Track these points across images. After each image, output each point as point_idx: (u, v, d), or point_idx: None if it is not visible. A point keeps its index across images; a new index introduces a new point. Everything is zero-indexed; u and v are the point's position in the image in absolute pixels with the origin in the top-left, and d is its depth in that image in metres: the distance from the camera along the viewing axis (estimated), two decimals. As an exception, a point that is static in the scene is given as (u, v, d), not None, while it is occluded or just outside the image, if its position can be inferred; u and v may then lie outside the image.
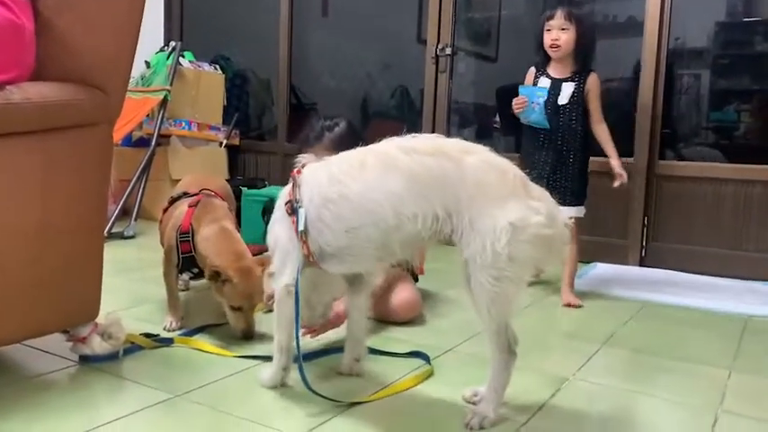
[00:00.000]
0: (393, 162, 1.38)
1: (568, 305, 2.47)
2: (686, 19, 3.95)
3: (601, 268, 3.14)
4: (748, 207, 3.12)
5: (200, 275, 1.92)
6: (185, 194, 2.07)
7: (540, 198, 1.36)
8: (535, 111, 2.55)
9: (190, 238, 1.88)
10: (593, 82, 2.56)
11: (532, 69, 2.70)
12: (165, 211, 2.09)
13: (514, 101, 2.58)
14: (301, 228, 1.44)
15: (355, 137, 2.10)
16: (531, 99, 2.55)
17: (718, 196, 3.17)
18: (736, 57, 4.43)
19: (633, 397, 1.62)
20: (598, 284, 2.80)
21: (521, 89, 2.61)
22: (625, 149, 3.38)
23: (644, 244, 3.29)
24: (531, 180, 1.41)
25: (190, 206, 1.95)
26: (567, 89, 2.57)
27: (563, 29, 2.54)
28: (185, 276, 2.06)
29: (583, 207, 2.59)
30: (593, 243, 3.13)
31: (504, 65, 5.05)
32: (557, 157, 2.58)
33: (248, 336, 1.85)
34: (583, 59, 2.59)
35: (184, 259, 1.90)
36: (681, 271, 3.10)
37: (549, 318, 2.30)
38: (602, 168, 3.36)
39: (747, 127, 4.33)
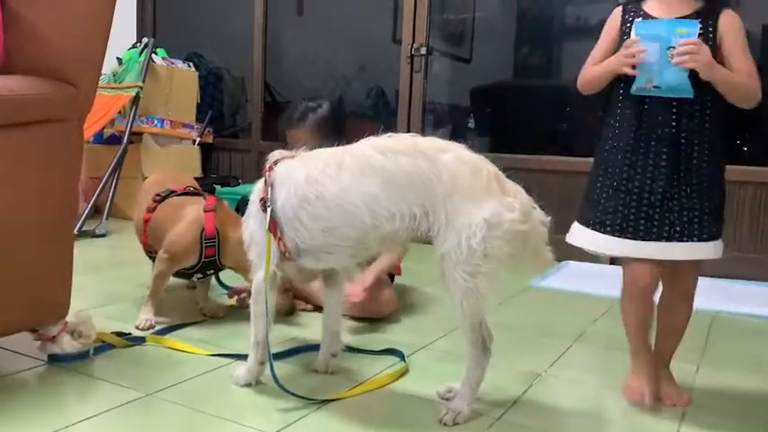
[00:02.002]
0: (369, 162, 1.39)
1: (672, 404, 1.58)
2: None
3: (573, 266, 3.18)
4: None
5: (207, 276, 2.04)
6: (172, 193, 2.05)
7: (515, 194, 1.38)
8: (669, 65, 1.42)
9: (215, 244, 1.91)
10: (727, 23, 1.48)
11: (618, 10, 1.60)
12: (152, 210, 2.02)
13: (625, 51, 1.48)
14: (266, 228, 1.45)
15: (338, 120, 2.15)
16: (666, 42, 1.42)
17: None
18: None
19: (603, 392, 1.65)
20: (570, 282, 2.84)
21: (638, 26, 1.49)
22: (588, 151, 3.44)
23: (615, 242, 3.33)
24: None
25: (207, 211, 1.93)
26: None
27: None
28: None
29: (720, 242, 1.53)
30: (566, 241, 3.16)
31: (478, 66, 5.09)
32: (674, 161, 1.48)
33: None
34: None
35: (205, 263, 1.93)
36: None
37: (521, 314, 2.32)
38: (579, 168, 3.42)
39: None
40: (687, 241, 1.48)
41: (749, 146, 4.06)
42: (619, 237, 1.51)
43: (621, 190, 1.52)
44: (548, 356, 1.86)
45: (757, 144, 4.03)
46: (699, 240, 1.48)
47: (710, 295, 2.70)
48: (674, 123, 1.47)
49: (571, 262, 3.24)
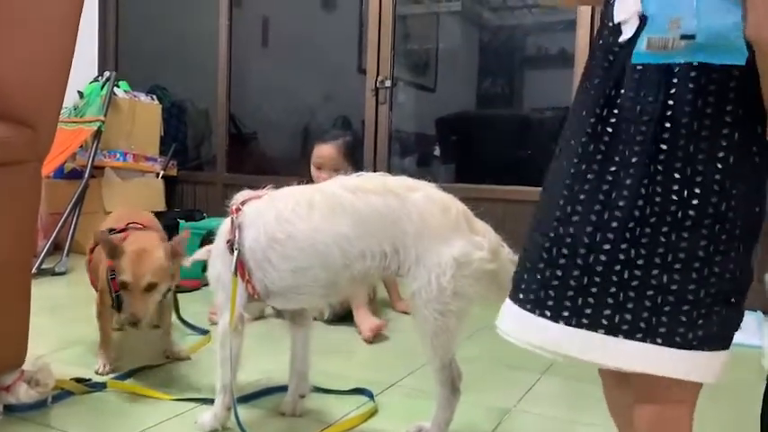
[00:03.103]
0: (340, 202, 1.39)
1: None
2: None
3: (540, 295, 3.20)
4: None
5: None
6: (112, 231, 1.92)
7: (484, 233, 1.39)
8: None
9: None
10: None
11: None
12: (93, 249, 1.99)
13: None
14: (232, 271, 1.44)
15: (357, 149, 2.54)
16: None
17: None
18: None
19: (573, 427, 1.65)
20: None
21: None
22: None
23: (580, 270, 3.37)
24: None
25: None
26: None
27: None
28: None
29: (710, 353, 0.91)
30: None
31: (443, 95, 5.16)
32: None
33: (134, 322, 1.67)
34: None
35: (117, 297, 1.81)
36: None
37: (489, 347, 2.32)
38: (537, 198, 3.46)
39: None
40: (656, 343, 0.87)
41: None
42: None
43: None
44: (517, 390, 1.86)
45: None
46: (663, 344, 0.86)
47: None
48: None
49: (538, 290, 3.26)
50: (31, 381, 1.56)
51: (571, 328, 0.90)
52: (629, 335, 0.86)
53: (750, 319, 2.82)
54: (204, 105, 4.78)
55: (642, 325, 0.85)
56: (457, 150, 4.66)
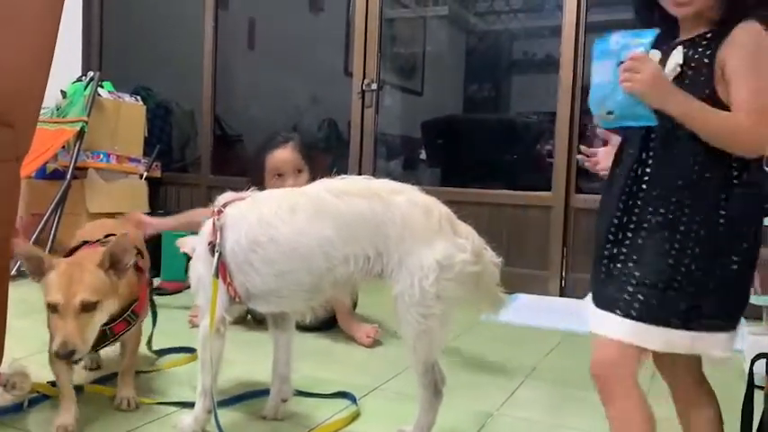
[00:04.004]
0: (323, 205, 1.39)
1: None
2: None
3: (522, 299, 3.21)
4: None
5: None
6: (85, 243, 1.69)
7: (467, 235, 1.39)
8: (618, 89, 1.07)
9: None
10: (737, 37, 1.06)
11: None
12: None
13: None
14: (212, 274, 1.42)
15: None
16: (617, 57, 1.09)
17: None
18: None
19: (556, 431, 1.65)
20: (521, 315, 2.86)
21: (596, 43, 1.14)
22: (543, 183, 3.52)
23: (563, 275, 3.39)
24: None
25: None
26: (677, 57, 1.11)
27: None
28: None
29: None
30: (515, 274, 3.20)
31: (429, 99, 5.17)
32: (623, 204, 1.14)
33: (67, 354, 1.35)
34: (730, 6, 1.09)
35: None
36: (599, 300, 3.20)
37: (472, 351, 2.32)
38: (527, 202, 3.48)
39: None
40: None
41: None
42: None
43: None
44: (500, 394, 1.85)
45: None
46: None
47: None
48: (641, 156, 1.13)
49: (521, 295, 3.27)
50: (8, 384, 1.53)
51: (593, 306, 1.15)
52: (600, 305, 1.13)
53: (731, 323, 2.84)
54: (189, 106, 4.75)
55: (611, 300, 1.10)
56: (443, 154, 4.67)
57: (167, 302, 2.87)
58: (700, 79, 1.07)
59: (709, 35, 1.09)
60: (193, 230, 2.48)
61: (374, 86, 3.86)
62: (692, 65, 1.08)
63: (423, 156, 4.89)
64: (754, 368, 1.24)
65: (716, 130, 1.04)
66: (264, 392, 1.65)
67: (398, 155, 4.81)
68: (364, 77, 3.86)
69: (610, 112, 1.10)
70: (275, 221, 1.41)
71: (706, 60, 1.07)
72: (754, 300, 2.33)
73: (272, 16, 5.11)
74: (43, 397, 1.63)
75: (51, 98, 3.91)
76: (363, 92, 3.87)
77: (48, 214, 3.50)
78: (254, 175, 2.41)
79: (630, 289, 1.08)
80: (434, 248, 1.33)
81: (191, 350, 1.99)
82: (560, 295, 3.35)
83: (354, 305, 2.46)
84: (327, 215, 1.38)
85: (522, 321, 2.75)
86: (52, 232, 3.51)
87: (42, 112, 3.29)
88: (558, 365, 2.19)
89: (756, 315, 2.69)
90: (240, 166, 4.63)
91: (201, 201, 4.27)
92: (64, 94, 4.00)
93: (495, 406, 1.76)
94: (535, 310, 2.98)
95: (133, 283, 1.56)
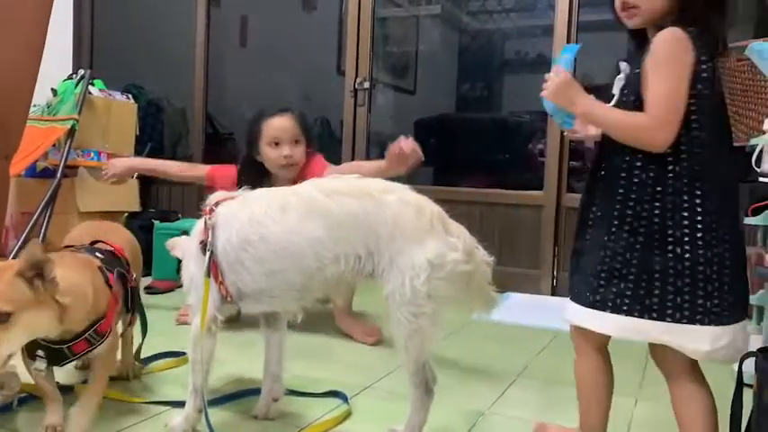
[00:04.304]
0: (314, 204, 1.38)
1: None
2: (591, 57, 4.17)
3: (514, 298, 3.22)
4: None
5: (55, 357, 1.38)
6: (68, 248, 1.58)
7: (458, 234, 1.39)
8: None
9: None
10: (654, 42, 1.17)
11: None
12: None
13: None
14: (204, 273, 1.42)
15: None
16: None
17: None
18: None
19: (547, 429, 1.66)
20: (512, 314, 2.86)
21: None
22: (535, 182, 3.53)
23: (555, 273, 3.40)
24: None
25: None
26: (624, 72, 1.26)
27: None
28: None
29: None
30: (507, 273, 3.21)
31: (422, 97, 5.17)
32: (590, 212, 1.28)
33: None
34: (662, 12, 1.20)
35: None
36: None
37: (464, 349, 2.32)
38: (519, 201, 3.49)
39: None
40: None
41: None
42: None
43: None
44: (491, 393, 1.86)
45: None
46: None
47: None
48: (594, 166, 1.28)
49: (513, 294, 3.28)
50: (-3, 384, 1.52)
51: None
52: (570, 295, 1.28)
53: (721, 322, 2.86)
54: (181, 104, 4.73)
55: (574, 290, 1.27)
56: (435, 153, 4.67)
57: (158, 302, 2.86)
58: (633, 86, 1.19)
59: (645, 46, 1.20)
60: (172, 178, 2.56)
61: (367, 85, 3.85)
62: (636, 72, 1.20)
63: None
64: (743, 367, 1.24)
65: (614, 128, 1.18)
66: (256, 391, 1.65)
67: (391, 154, 4.80)
68: (357, 76, 3.86)
69: (550, 114, 1.32)
70: (266, 220, 1.40)
71: (637, 70, 1.19)
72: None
73: (264, 14, 5.10)
74: (32, 397, 1.62)
75: (42, 96, 3.88)
76: (356, 90, 3.87)
77: (37, 213, 3.47)
78: (248, 145, 2.42)
79: (587, 280, 1.22)
80: (426, 247, 1.33)
81: (177, 354, 1.96)
82: (552, 294, 3.36)
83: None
84: (318, 214, 1.38)
85: (514, 320, 2.75)
86: (42, 231, 3.49)
87: (32, 110, 3.27)
88: (550, 364, 2.20)
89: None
90: (232, 164, 4.61)
91: (193, 199, 4.26)
92: (54, 92, 3.98)
93: (487, 405, 1.77)
94: (527, 309, 2.98)
95: (100, 297, 1.38)
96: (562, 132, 3.37)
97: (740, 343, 1.17)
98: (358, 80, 3.84)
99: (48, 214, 3.53)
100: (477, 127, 4.69)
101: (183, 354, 1.94)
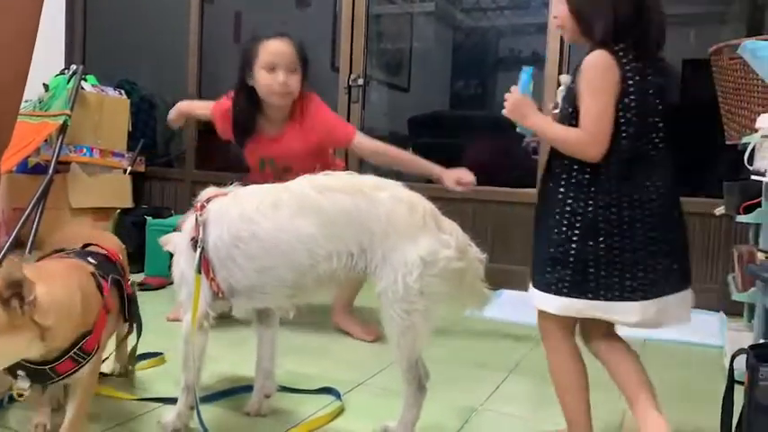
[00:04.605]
0: (307, 201, 1.38)
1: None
2: (585, 55, 4.18)
3: (507, 295, 3.22)
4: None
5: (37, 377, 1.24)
6: (59, 252, 1.47)
7: (451, 231, 1.39)
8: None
9: None
10: (584, 64, 1.32)
11: None
12: None
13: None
14: (195, 269, 1.42)
15: None
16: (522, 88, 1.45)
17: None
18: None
19: (539, 426, 1.66)
20: (504, 311, 2.87)
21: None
22: (527, 180, 3.53)
23: (549, 271, 3.40)
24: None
25: None
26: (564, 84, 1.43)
27: None
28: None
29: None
30: (499, 270, 3.21)
31: (416, 94, 5.17)
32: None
33: None
34: (589, 34, 1.35)
35: None
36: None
37: (457, 346, 2.33)
38: (512, 198, 3.49)
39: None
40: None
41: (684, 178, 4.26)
42: None
43: None
44: (484, 390, 1.86)
45: (680, 176, 4.22)
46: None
47: (640, 322, 2.78)
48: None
49: (505, 290, 3.28)
50: (-13, 381, 1.50)
51: None
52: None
53: (712, 320, 2.88)
54: (174, 101, 4.71)
55: (533, 277, 1.40)
56: (429, 150, 4.66)
57: (151, 298, 2.85)
58: (570, 98, 1.35)
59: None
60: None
61: (361, 82, 3.85)
62: (570, 90, 1.36)
63: (409, 152, 4.87)
64: (734, 364, 1.25)
65: (555, 141, 1.36)
66: (248, 388, 1.65)
67: (385, 151, 4.79)
68: (351, 73, 3.85)
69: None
70: (257, 217, 1.40)
71: (572, 85, 1.35)
72: (735, 297, 2.36)
73: (258, 10, 5.08)
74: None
75: (33, 91, 3.87)
76: (350, 87, 3.86)
77: (29, 209, 3.46)
78: (241, 68, 2.29)
79: (538, 267, 1.37)
80: (418, 244, 1.33)
81: (155, 354, 1.92)
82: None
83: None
84: (310, 211, 1.37)
85: (507, 317, 2.76)
86: (34, 227, 3.47)
87: (24, 105, 3.24)
88: (542, 361, 2.18)
89: (737, 311, 2.73)
90: (225, 161, 4.60)
91: (186, 196, 4.25)
92: (46, 87, 3.96)
93: (480, 401, 1.77)
94: (519, 306, 2.97)
95: (90, 307, 1.26)
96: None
97: (672, 310, 1.34)
98: (352, 77, 3.84)
99: (39, 210, 3.51)
100: (470, 124, 4.69)
101: (161, 354, 1.93)
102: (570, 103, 1.34)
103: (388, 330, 1.36)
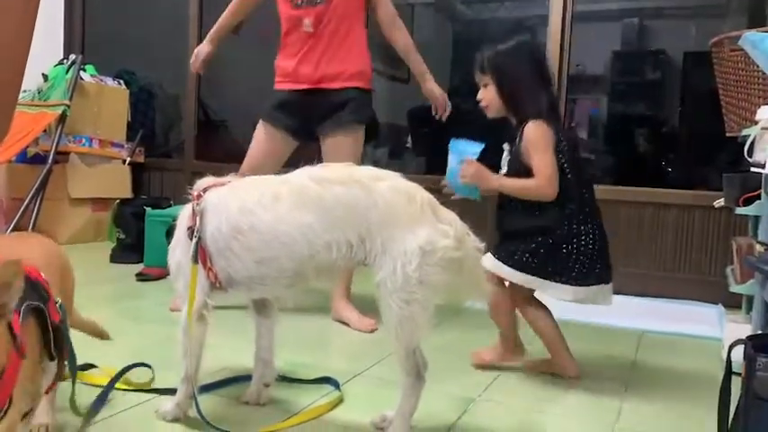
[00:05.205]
0: (305, 192, 1.38)
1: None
2: (586, 48, 4.17)
3: (508, 287, 3.23)
4: (640, 227, 3.31)
5: None
6: None
7: (450, 221, 1.39)
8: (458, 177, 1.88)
9: None
10: (525, 133, 1.81)
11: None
12: None
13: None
14: (190, 258, 1.42)
15: None
16: (461, 155, 1.90)
17: (613, 217, 3.34)
18: (632, 84, 4.71)
19: (536, 416, 1.67)
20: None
21: (453, 144, 1.93)
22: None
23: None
24: None
25: None
26: (507, 151, 1.95)
27: (484, 84, 1.95)
28: None
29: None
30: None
31: (416, 86, 5.16)
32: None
33: None
34: (519, 111, 1.88)
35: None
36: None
37: (455, 337, 2.33)
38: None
39: (641, 150, 4.60)
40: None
41: (673, 170, 4.25)
42: None
43: None
44: (481, 380, 1.87)
45: (681, 168, 4.22)
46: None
47: (637, 314, 2.79)
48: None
49: (506, 282, 3.28)
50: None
51: None
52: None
53: (711, 312, 2.88)
54: (173, 91, 4.71)
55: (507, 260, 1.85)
56: (429, 142, 4.66)
57: (150, 289, 2.86)
58: (518, 159, 1.84)
59: (516, 132, 1.86)
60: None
61: (360, 73, 3.82)
62: (511, 151, 1.90)
63: (409, 144, 4.88)
64: (731, 354, 1.25)
65: (520, 192, 1.83)
66: (247, 378, 1.65)
67: (385, 143, 4.79)
68: (350, 64, 3.83)
69: (456, 188, 1.91)
70: (257, 209, 1.40)
71: (513, 148, 1.87)
72: (733, 288, 2.36)
73: (258, 1, 5.05)
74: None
75: (32, 81, 3.86)
76: (349, 78, 3.84)
77: (28, 199, 3.47)
78: None
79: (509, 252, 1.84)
80: (417, 234, 1.33)
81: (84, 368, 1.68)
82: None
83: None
84: (310, 203, 1.37)
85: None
86: (33, 217, 3.48)
87: (23, 95, 3.24)
88: (541, 351, 2.20)
89: (735, 303, 2.74)
90: (224, 151, 4.59)
91: (185, 186, 4.25)
92: (45, 77, 3.95)
93: (478, 391, 1.78)
94: (518, 298, 2.99)
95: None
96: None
97: (597, 298, 1.85)
98: (352, 68, 3.81)
99: (39, 200, 3.53)
100: (470, 116, 4.69)
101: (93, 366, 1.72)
102: (517, 161, 1.84)
103: (386, 320, 1.36)
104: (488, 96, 1.92)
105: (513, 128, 1.89)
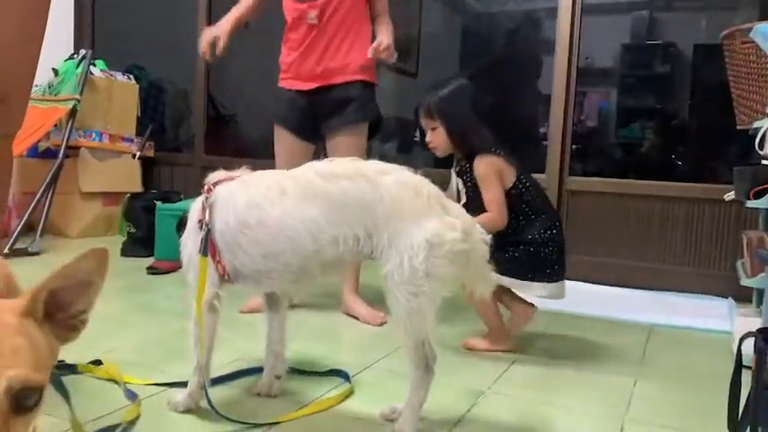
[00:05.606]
0: (312, 187, 1.39)
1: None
2: (595, 40, 4.15)
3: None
4: (650, 221, 3.29)
5: None
6: None
7: (457, 214, 1.39)
8: None
9: None
10: (475, 169, 2.03)
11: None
12: None
13: None
14: (200, 251, 1.43)
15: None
16: None
17: (623, 211, 3.33)
18: (641, 77, 4.69)
19: (545, 408, 1.67)
20: (514, 296, 2.88)
21: None
22: (537, 165, 3.52)
23: (557, 256, 3.40)
24: None
25: None
26: (457, 182, 2.15)
27: (432, 128, 2.08)
28: None
29: None
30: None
31: (425, 80, 5.15)
32: None
33: None
34: (466, 147, 2.07)
35: None
36: (589, 282, 3.22)
37: (464, 330, 2.34)
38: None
39: (650, 144, 4.58)
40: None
41: (683, 163, 4.23)
42: None
43: None
44: (491, 373, 1.87)
45: (691, 161, 4.20)
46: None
47: (647, 308, 2.79)
48: None
49: (515, 276, 3.28)
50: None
51: None
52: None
53: (721, 305, 2.87)
54: (183, 85, 4.72)
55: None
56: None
57: (161, 282, 2.88)
58: (477, 191, 2.02)
59: (466, 165, 2.07)
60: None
61: (369, 67, 3.82)
62: (467, 183, 2.08)
63: (417, 138, 4.86)
64: (742, 347, 1.25)
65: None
66: (258, 370, 1.67)
67: (393, 137, 4.79)
68: (359, 58, 3.83)
69: None
70: (264, 204, 1.41)
71: (469, 183, 2.06)
72: (744, 282, 2.35)
73: (266, -5, 5.06)
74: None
75: (43, 76, 3.88)
76: (358, 72, 3.84)
77: (40, 193, 3.49)
78: None
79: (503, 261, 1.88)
80: (424, 227, 1.33)
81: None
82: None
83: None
84: (316, 197, 1.38)
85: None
86: (44, 212, 3.51)
87: (34, 90, 3.26)
88: (549, 345, 2.21)
89: (746, 297, 2.73)
90: (233, 146, 4.61)
91: (195, 180, 4.27)
92: (56, 71, 3.97)
93: (487, 384, 1.78)
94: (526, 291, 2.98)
95: None
96: (565, 116, 3.40)
97: (561, 292, 2.06)
98: (360, 62, 3.81)
99: (50, 194, 3.55)
100: (479, 110, 4.67)
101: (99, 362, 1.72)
102: (478, 195, 2.02)
103: (394, 313, 1.37)
104: (438, 139, 2.07)
105: (459, 160, 2.12)
